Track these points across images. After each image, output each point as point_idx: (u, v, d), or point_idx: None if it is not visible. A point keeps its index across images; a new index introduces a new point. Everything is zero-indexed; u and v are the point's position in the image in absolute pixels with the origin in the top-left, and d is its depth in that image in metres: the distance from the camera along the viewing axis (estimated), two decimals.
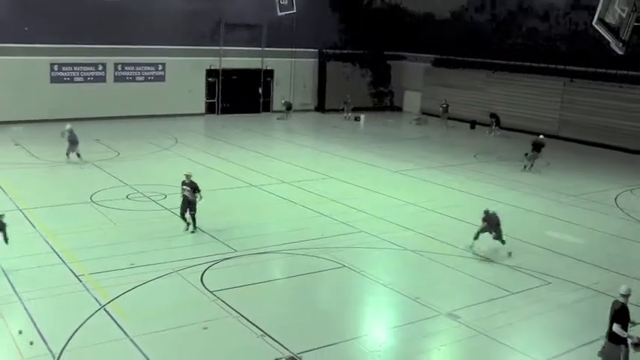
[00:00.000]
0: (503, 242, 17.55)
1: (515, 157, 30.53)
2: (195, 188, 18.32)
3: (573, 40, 37.23)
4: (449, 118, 40.78)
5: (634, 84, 34.31)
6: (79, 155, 26.51)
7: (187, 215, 18.39)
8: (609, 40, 25.30)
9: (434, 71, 45.60)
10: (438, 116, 41.56)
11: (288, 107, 41.91)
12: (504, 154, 32.23)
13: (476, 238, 17.59)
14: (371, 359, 11.85)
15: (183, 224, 18.47)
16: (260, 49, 42.44)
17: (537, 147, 28.38)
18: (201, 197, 18.33)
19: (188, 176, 18.51)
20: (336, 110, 43.11)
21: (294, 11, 39.22)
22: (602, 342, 11.02)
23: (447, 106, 40.75)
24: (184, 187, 18.33)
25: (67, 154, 26.58)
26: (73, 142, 26.57)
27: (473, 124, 40.77)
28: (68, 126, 26.83)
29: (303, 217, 20.48)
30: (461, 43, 43.11)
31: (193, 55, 40.21)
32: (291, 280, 15.81)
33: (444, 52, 44.49)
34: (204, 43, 40.47)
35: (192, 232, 18.34)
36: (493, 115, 38.12)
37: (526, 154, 28.51)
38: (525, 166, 28.30)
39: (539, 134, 29.65)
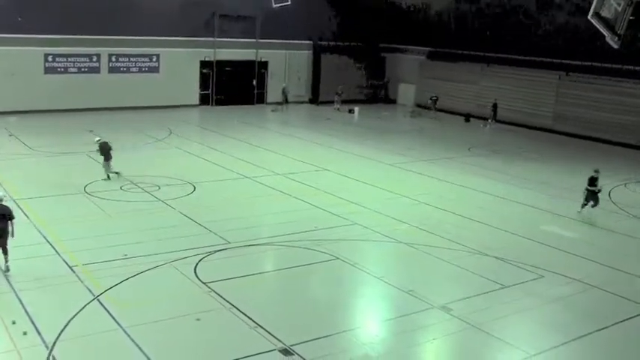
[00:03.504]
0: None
1: (509, 150, 30.56)
2: (4, 215, 14.06)
3: (569, 34, 37.24)
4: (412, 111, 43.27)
5: (629, 78, 34.31)
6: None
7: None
8: (605, 34, 25.34)
9: (429, 64, 45.56)
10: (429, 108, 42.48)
11: (285, 98, 41.83)
12: (499, 147, 32.26)
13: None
14: (363, 352, 11.87)
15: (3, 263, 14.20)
16: (254, 40, 42.31)
17: None
18: (12, 230, 14.03)
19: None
20: (331, 102, 43.05)
21: (289, 3, 39.15)
22: (594, 336, 11.04)
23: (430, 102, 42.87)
24: None
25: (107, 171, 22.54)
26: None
27: (467, 117, 40.79)
28: (97, 138, 23.09)
29: (297, 209, 20.46)
30: (456, 35, 43.10)
31: (188, 46, 40.07)
32: (284, 272, 15.81)
33: (439, 45, 44.47)
34: (198, 35, 40.33)
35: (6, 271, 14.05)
36: (495, 107, 38.19)
37: None
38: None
39: (534, 127, 29.36)
